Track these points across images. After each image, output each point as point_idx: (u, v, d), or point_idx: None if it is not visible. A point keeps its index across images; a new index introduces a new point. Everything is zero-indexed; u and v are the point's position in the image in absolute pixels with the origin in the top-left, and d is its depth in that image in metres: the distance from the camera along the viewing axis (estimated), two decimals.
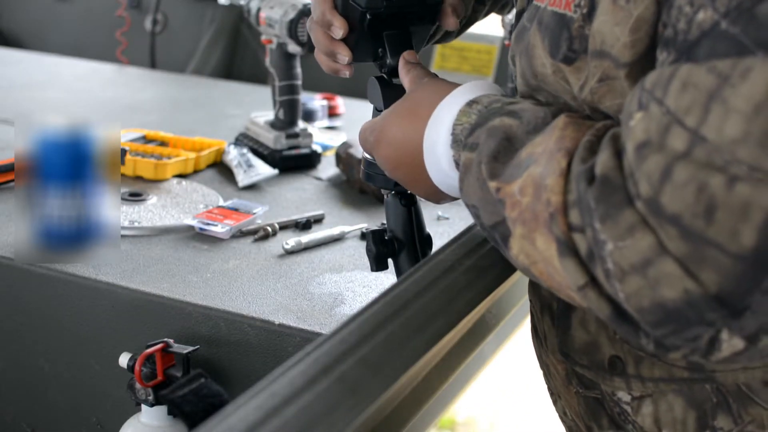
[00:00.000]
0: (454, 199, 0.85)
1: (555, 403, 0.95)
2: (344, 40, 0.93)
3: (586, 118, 0.72)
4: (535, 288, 0.91)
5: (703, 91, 0.59)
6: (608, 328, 0.82)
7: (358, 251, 1.23)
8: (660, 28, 0.66)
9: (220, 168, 1.54)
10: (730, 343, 0.63)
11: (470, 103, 0.79)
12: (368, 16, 0.90)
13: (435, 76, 0.89)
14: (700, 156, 0.58)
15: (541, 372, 0.96)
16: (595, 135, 0.67)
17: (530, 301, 0.94)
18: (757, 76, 0.57)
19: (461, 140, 0.77)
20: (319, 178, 1.53)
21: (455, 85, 0.83)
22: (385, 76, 0.94)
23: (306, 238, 1.24)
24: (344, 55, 0.94)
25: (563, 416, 0.94)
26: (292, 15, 1.48)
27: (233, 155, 1.52)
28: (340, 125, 1.88)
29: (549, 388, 0.95)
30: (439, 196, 0.86)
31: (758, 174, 0.56)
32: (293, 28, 1.48)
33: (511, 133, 0.73)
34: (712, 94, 0.58)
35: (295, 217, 1.32)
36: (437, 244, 0.94)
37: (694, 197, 0.58)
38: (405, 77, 0.90)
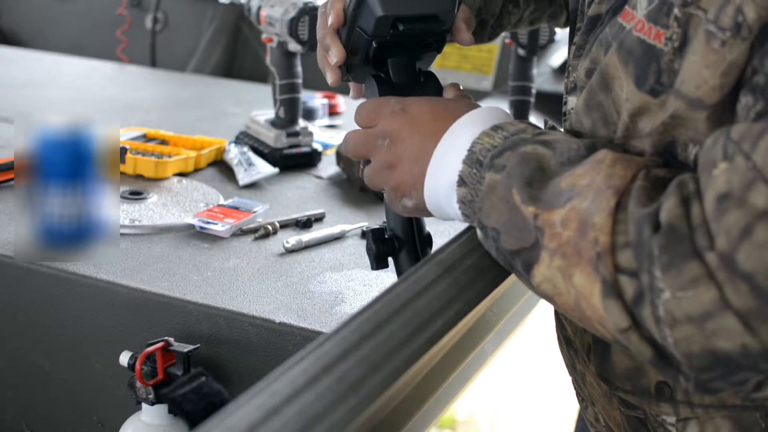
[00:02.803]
0: (423, 213, 0.84)
1: (585, 409, 0.94)
2: (347, 60, 0.92)
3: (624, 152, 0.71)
4: None
5: None
6: None
7: (358, 250, 1.23)
8: (748, 72, 0.65)
9: (221, 166, 1.54)
10: None
11: (495, 128, 0.78)
12: (374, 45, 0.89)
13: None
14: None
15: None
16: (647, 180, 0.67)
17: (559, 314, 0.93)
18: None
19: (481, 160, 0.76)
20: (319, 177, 1.53)
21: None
22: (382, 74, 0.93)
23: (306, 236, 1.24)
24: (331, 77, 0.94)
25: (594, 422, 0.93)
26: (292, 13, 1.48)
27: (234, 154, 1.52)
28: (341, 124, 1.88)
29: (579, 394, 0.94)
30: (408, 196, 0.83)
31: None
32: (294, 26, 1.48)
33: (545, 163, 0.72)
34: None
35: (295, 215, 1.32)
36: (438, 242, 0.94)
37: None
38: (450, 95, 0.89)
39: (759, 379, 0.63)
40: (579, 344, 0.90)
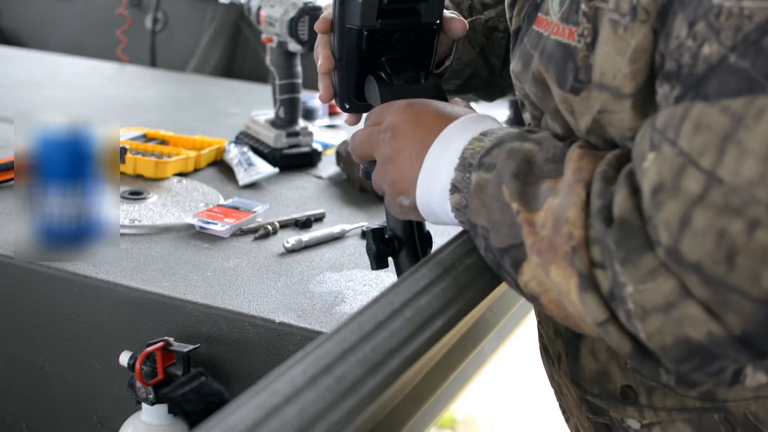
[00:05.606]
0: (418, 216, 0.83)
1: (567, 420, 0.94)
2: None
3: (595, 148, 0.72)
4: None
5: (717, 132, 0.58)
6: (619, 358, 0.82)
7: (358, 250, 1.23)
8: (657, 59, 0.66)
9: (221, 166, 1.54)
10: (754, 377, 0.63)
11: (485, 133, 0.78)
12: (365, 33, 0.90)
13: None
14: (717, 199, 0.57)
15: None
16: (610, 165, 0.67)
17: (540, 323, 0.94)
18: None
19: (472, 163, 0.76)
20: (319, 177, 1.53)
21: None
22: (383, 74, 0.93)
23: (306, 236, 1.24)
24: (322, 91, 0.94)
25: None
26: (292, 13, 1.48)
27: (234, 154, 1.52)
28: (341, 124, 1.88)
29: (561, 406, 0.95)
30: (401, 192, 0.83)
31: None
32: (293, 26, 1.48)
33: (531, 157, 0.72)
34: (726, 135, 0.58)
35: (295, 215, 1.32)
36: (437, 242, 0.94)
37: (715, 244, 0.57)
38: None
39: (736, 367, 0.62)
40: (552, 353, 0.91)
